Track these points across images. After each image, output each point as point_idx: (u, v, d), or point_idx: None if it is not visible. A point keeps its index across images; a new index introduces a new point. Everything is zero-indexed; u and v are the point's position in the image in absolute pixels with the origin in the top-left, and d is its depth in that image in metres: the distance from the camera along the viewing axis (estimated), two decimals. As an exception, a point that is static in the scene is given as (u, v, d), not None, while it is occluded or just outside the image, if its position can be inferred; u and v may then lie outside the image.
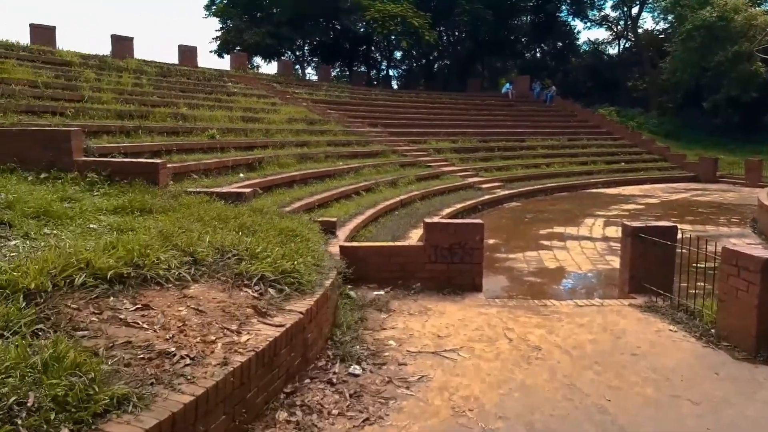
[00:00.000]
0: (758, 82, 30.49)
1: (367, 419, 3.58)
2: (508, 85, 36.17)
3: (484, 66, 44.49)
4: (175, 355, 3.09)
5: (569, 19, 44.29)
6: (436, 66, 43.95)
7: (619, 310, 6.22)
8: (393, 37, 34.53)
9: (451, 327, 5.52)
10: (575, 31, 48.33)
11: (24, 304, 3.19)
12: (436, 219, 7.71)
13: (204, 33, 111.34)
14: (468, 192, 17.34)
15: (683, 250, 6.31)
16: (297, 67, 38.66)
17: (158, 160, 7.30)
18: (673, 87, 35.90)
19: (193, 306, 3.73)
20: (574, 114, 32.90)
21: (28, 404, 2.38)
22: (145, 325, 3.37)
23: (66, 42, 61.23)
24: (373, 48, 41.25)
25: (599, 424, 3.65)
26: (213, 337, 3.36)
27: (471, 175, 19.72)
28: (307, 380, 4.02)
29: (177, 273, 4.11)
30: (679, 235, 6.73)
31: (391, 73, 44.71)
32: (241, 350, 3.28)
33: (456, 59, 41.57)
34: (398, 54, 42.87)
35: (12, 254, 4.03)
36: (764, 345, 4.81)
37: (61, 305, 3.39)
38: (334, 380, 4.08)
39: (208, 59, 62.77)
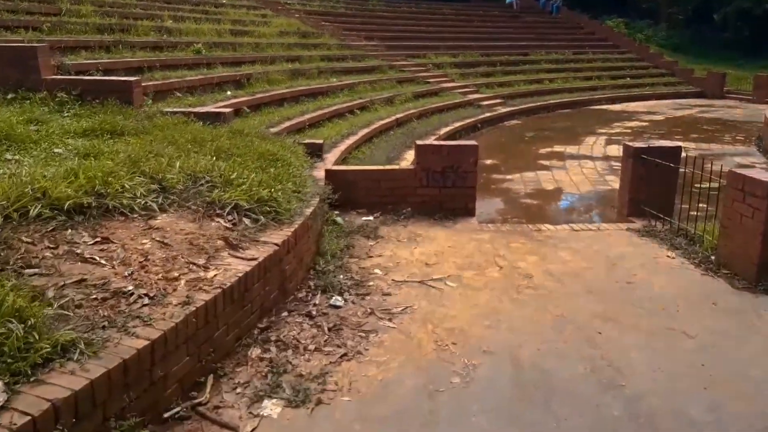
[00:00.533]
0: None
1: (344, 355, 3.42)
2: (512, -6, 34.37)
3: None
4: (132, 294, 2.86)
5: None
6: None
7: (616, 235, 6.00)
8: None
9: (441, 254, 5.31)
10: (585, -66, 45.34)
11: (-32, 240, 2.93)
12: (428, 141, 7.34)
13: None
14: (468, 110, 16.77)
15: (686, 171, 6.00)
16: (290, -24, 36.53)
17: (132, 78, 6.85)
18: (683, -2, 34.20)
19: (158, 238, 3.48)
20: (581, 26, 31.46)
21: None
22: (102, 261, 3.13)
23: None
24: (370, -46, 38.83)
25: (588, 360, 3.50)
26: (177, 273, 3.13)
27: (472, 91, 19.02)
28: (285, 313, 3.84)
29: (143, 202, 3.83)
30: (683, 155, 6.41)
31: (390, -18, 42.36)
32: (206, 287, 3.06)
33: (458, -33, 39.25)
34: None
35: (-37, 183, 3.74)
36: (766, 274, 4.60)
37: (13, 240, 3.13)
38: (314, 313, 3.90)
39: (198, -32, 59.44)
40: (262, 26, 17.80)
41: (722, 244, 5.07)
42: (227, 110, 6.78)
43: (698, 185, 5.79)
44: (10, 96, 6.52)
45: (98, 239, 3.35)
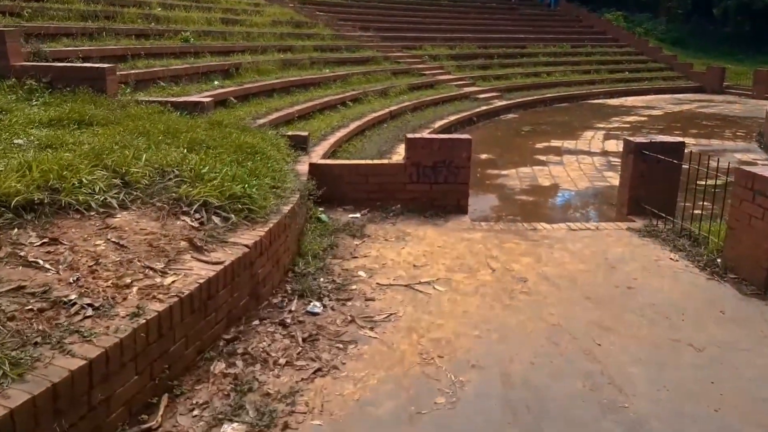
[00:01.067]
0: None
1: (319, 370, 3.10)
2: (510, -14, 33.93)
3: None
4: (74, 304, 2.53)
5: None
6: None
7: (615, 235, 5.69)
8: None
9: (429, 255, 5.00)
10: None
11: None
12: (419, 134, 7.01)
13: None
14: (464, 103, 16.42)
15: (689, 168, 5.69)
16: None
17: (105, 65, 6.49)
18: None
19: (113, 239, 3.15)
20: (579, 19, 31.08)
21: None
22: (47, 265, 2.80)
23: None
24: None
25: (586, 376, 3.19)
26: (129, 280, 2.80)
27: (468, 84, 18.66)
28: (256, 322, 3.51)
29: (102, 198, 3.50)
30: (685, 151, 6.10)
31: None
32: (161, 296, 2.73)
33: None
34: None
35: None
36: (776, 279, 4.31)
37: (-51, 240, 2.80)
38: (288, 321, 3.57)
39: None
40: (255, 15, 17.37)
41: (729, 246, 4.76)
42: (207, 100, 6.43)
43: (701, 183, 5.49)
44: (-23, 83, 6.17)
45: (46, 240, 3.02)
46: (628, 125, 15.57)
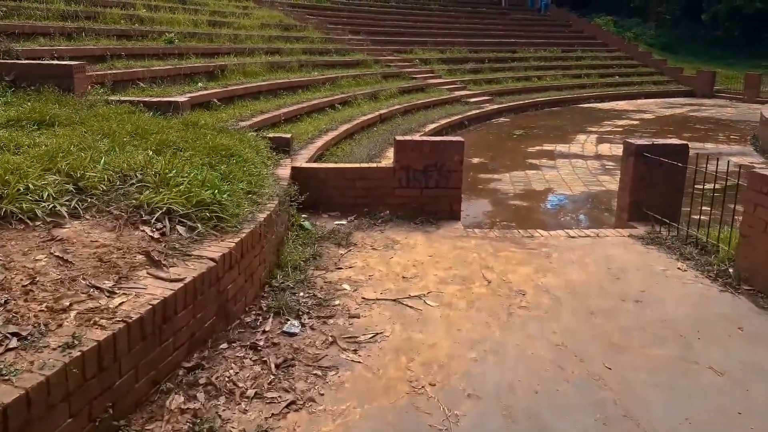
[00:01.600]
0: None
1: (292, 403, 2.71)
2: (500, -9, 33.79)
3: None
4: (-4, 333, 2.13)
5: None
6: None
7: (617, 243, 5.34)
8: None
9: (420, 265, 4.62)
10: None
11: None
12: (409, 137, 6.64)
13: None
14: (455, 106, 16.13)
15: (695, 171, 5.36)
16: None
17: (73, 62, 6.06)
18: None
19: (57, 253, 2.75)
20: (569, 24, 30.96)
21: None
22: (-28, 285, 2.40)
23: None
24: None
25: (598, 406, 2.81)
26: (69, 302, 2.40)
27: (459, 88, 18.38)
28: (224, 345, 3.12)
29: (50, 206, 3.10)
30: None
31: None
32: (104, 321, 2.33)
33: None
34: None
35: None
36: (797, 292, 3.97)
37: None
38: (261, 343, 3.18)
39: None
40: (243, 18, 17.01)
41: (742, 255, 4.42)
42: (182, 99, 6.03)
43: (701, 187, 5.17)
44: (-65, 82, 5.73)
45: (-23, 255, 2.61)
46: (620, 129, 15.33)
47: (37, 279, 2.51)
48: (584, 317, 3.79)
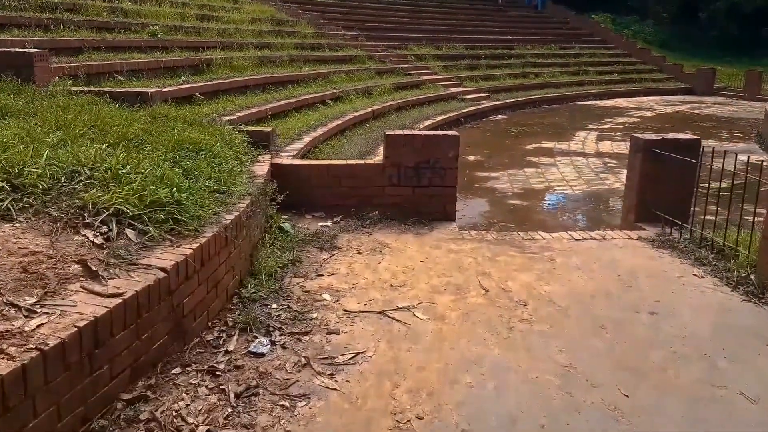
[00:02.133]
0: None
1: (251, 443, 2.27)
2: (497, -13, 33.35)
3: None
4: None
5: None
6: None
7: (625, 246, 4.91)
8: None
9: (410, 271, 4.18)
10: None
11: None
12: (400, 131, 6.20)
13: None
14: (450, 103, 15.69)
15: (710, 167, 4.95)
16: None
17: (34, 50, 5.61)
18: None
19: (-28, 263, 2.30)
20: (567, 21, 30.56)
21: None
22: None
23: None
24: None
25: (616, 444, 2.38)
26: (-30, 325, 1.96)
27: (454, 84, 17.95)
28: (177, 369, 2.67)
29: (-26, 207, 2.65)
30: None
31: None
32: (13, 349, 1.88)
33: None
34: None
35: None
36: (831, 302, 3.55)
37: None
38: (221, 367, 2.73)
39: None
40: (233, 12, 16.54)
41: (765, 260, 4.00)
42: (152, 90, 5.57)
43: (712, 185, 4.76)
44: None
45: None
46: (621, 126, 14.94)
47: (-62, 296, 2.07)
48: (593, 332, 3.36)
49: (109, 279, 2.42)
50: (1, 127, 3.88)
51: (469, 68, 20.40)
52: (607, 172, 9.58)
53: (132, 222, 2.88)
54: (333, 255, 4.47)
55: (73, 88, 5.36)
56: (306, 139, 8.32)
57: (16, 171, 3.01)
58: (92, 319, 2.14)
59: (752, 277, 4.08)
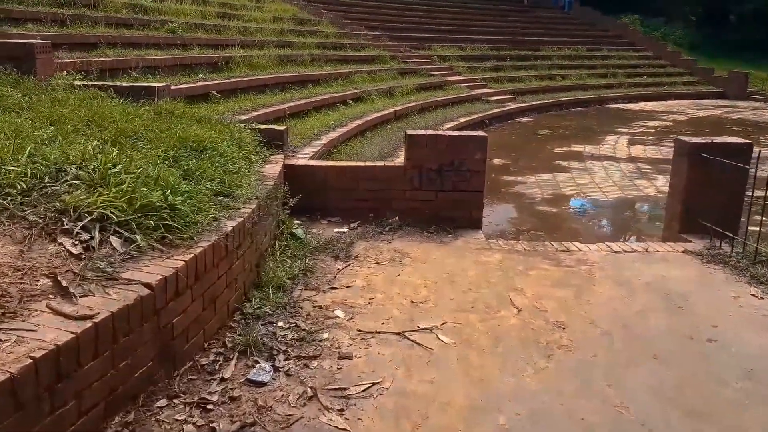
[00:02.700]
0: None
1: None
2: (523, -12, 32.78)
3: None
4: None
5: None
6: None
7: (672, 260, 4.45)
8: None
9: (433, 285, 3.78)
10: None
11: None
12: (422, 131, 5.80)
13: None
14: (475, 105, 15.26)
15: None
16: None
17: (36, 41, 5.33)
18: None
19: None
20: (594, 23, 29.87)
21: None
22: None
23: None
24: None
25: None
26: None
27: (479, 86, 17.49)
28: (162, 401, 2.30)
29: (-62, 210, 2.31)
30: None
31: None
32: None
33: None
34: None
35: None
36: None
37: None
38: (214, 399, 2.36)
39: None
40: (255, 11, 16.32)
41: (838, 281, 3.52)
42: (159, 85, 5.24)
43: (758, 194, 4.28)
44: None
45: None
46: (652, 130, 14.35)
47: None
48: (645, 363, 2.92)
49: (81, 297, 2.07)
50: (-7, 122, 3.57)
51: (494, 69, 19.93)
52: (641, 178, 9.06)
53: (118, 229, 2.53)
54: (348, 265, 4.09)
55: (77, 82, 5.05)
56: (324, 140, 7.96)
57: (-7, 169, 2.68)
58: (53, 347, 1.78)
59: (822, 299, 3.60)
